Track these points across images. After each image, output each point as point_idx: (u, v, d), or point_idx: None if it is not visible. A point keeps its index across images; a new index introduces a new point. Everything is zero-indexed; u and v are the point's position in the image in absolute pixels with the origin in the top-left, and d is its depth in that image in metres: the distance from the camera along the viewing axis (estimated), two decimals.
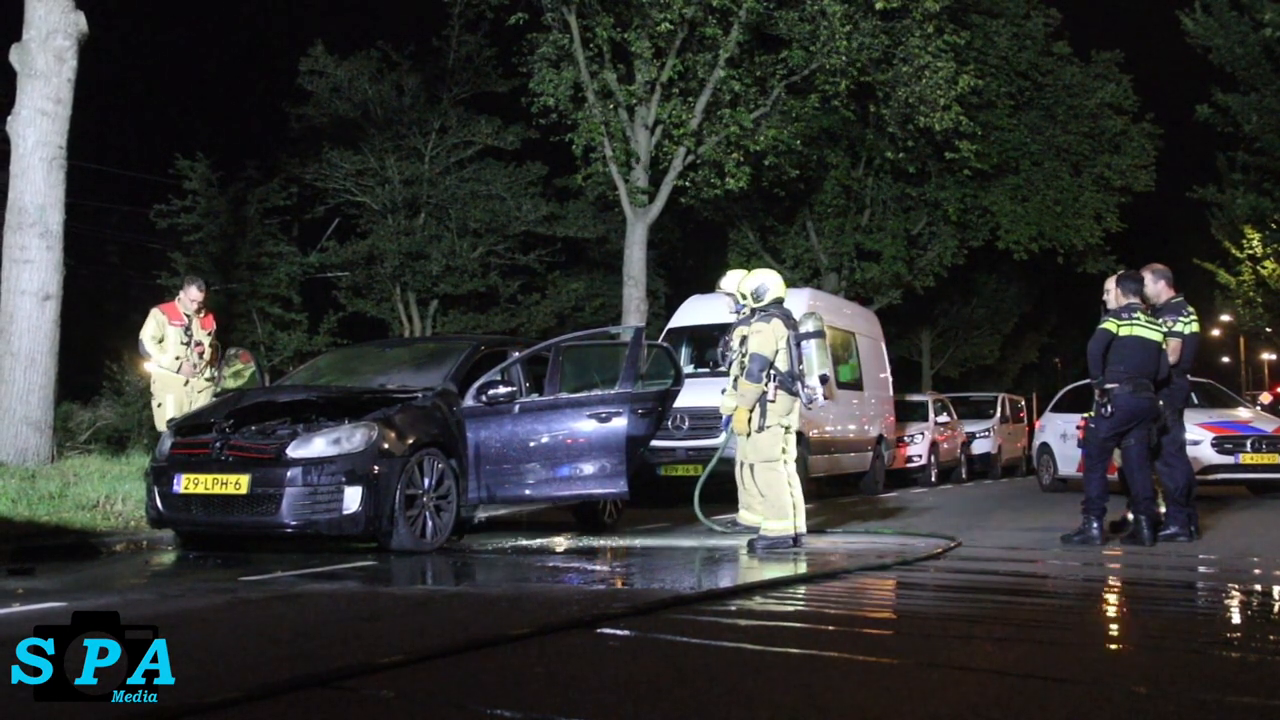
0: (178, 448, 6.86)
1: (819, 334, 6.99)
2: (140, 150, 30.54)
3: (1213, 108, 21.75)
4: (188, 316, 8.99)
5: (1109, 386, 6.91)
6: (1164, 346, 7.00)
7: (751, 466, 6.90)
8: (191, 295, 9.04)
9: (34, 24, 9.45)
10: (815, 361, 6.88)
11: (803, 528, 6.84)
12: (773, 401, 6.73)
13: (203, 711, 2.74)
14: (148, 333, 8.89)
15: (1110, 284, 7.95)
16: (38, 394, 9.19)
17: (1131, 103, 23.52)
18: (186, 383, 8.83)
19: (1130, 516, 7.05)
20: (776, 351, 6.74)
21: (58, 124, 9.45)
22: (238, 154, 23.64)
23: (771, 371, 6.71)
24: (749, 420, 6.74)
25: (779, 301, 7.02)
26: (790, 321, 6.89)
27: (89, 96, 10.02)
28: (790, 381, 6.78)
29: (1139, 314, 6.95)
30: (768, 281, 7.11)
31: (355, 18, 39.97)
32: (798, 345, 6.84)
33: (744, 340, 6.92)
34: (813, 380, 6.86)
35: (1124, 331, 6.89)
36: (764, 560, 6.42)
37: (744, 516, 7.35)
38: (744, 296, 7.11)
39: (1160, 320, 7.09)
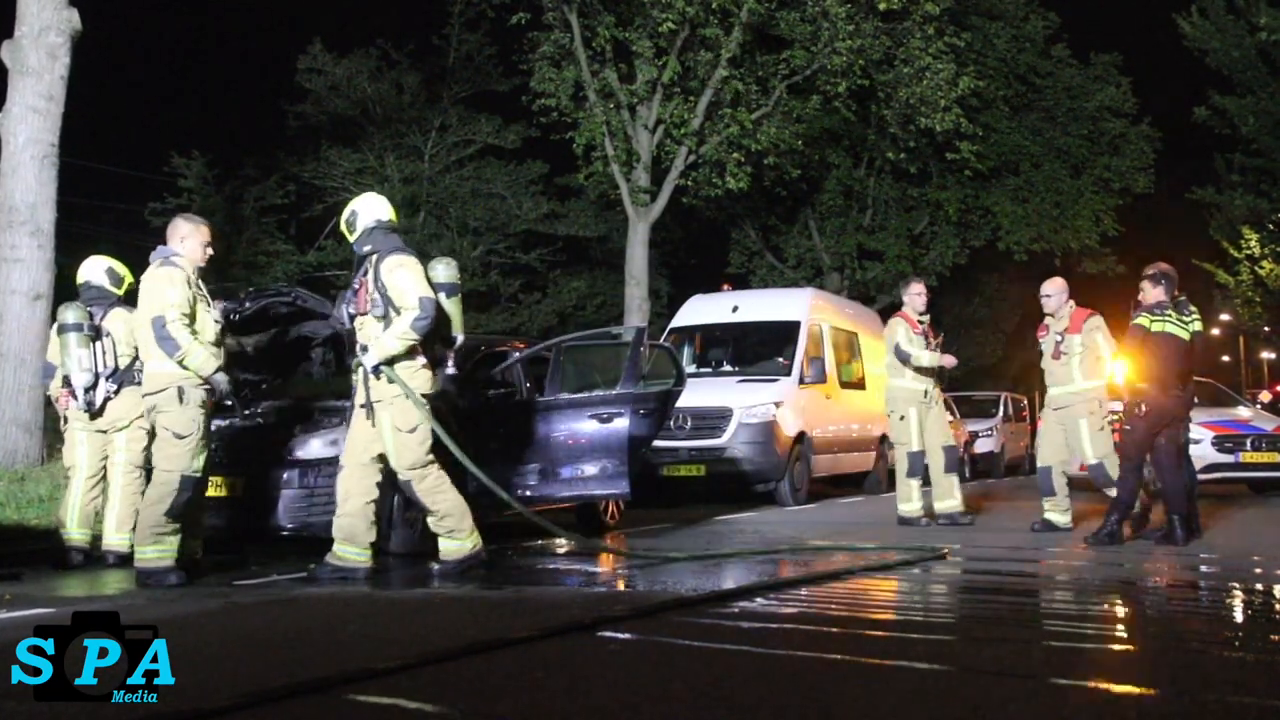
0: None
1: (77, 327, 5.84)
2: (135, 147, 30.53)
3: (1210, 110, 21.78)
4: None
5: (1141, 386, 6.72)
6: (1193, 344, 6.85)
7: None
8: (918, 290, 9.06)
9: (26, 20, 9.39)
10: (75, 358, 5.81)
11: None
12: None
13: (197, 718, 2.71)
14: (902, 344, 8.58)
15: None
16: (27, 395, 9.15)
17: (1130, 105, 23.53)
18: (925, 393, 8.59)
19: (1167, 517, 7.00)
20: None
21: (50, 121, 9.41)
22: (234, 151, 23.67)
23: None
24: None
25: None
26: None
27: (83, 93, 9.97)
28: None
29: (1170, 310, 6.79)
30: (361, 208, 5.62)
31: (355, 15, 39.90)
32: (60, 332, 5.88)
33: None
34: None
35: (1156, 328, 6.71)
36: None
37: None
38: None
39: (1189, 318, 6.94)
